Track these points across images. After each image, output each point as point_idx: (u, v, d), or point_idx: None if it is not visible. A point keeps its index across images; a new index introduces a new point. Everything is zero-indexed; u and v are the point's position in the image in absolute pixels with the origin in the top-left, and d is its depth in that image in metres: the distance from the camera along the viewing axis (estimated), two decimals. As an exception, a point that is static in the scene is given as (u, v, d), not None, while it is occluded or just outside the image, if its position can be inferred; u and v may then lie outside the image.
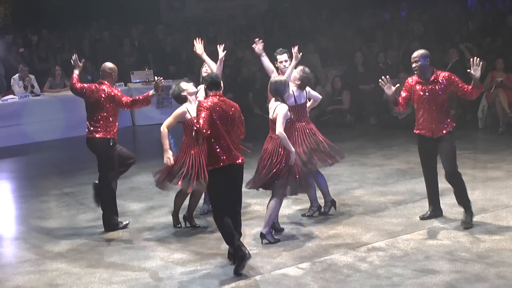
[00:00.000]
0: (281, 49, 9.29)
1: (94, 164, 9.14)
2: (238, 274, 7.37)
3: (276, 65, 9.26)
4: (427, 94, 8.53)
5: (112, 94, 9.12)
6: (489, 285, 6.90)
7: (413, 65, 8.57)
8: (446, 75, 8.63)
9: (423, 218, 8.91)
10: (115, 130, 9.18)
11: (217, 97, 7.57)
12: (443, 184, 10.37)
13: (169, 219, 9.33)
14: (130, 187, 10.47)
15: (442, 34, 18.45)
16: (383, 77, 8.60)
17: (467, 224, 8.55)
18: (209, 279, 7.38)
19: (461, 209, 9.12)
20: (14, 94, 16.03)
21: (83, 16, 20.56)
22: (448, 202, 9.26)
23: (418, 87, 8.59)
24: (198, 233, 8.87)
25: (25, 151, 14.98)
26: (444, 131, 8.60)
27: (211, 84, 7.65)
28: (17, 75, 16.26)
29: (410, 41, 17.81)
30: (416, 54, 8.57)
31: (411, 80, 8.70)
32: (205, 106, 7.43)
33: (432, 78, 8.55)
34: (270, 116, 8.27)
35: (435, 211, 9.00)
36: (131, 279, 7.50)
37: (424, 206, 9.37)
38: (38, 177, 12.60)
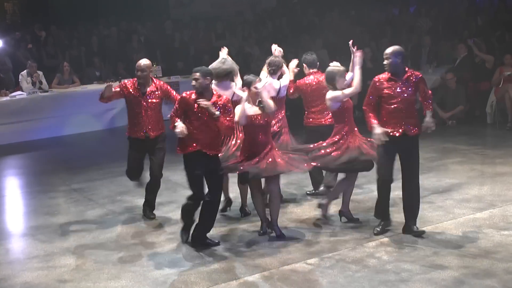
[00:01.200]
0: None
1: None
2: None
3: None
4: (398, 91, 8.09)
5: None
6: (497, 281, 6.88)
7: (384, 62, 8.19)
8: (419, 75, 8.26)
9: (377, 234, 8.31)
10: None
11: None
12: (451, 179, 10.39)
13: (178, 214, 9.33)
14: (138, 183, 10.43)
15: (451, 29, 18.42)
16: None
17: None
18: (217, 275, 7.38)
19: (470, 205, 9.13)
20: (22, 90, 16.06)
21: (91, 12, 20.62)
22: (457, 198, 9.24)
23: (388, 84, 8.16)
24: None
25: (33, 147, 15.01)
26: (414, 132, 8.12)
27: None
28: (25, 71, 16.29)
29: (419, 36, 17.79)
30: (388, 51, 8.16)
31: (381, 78, 8.26)
32: None
33: (405, 76, 8.15)
34: None
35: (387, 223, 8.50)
36: (139, 275, 7.50)
37: (431, 202, 9.36)
38: (46, 173, 12.61)
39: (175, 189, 9.93)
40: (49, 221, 9.65)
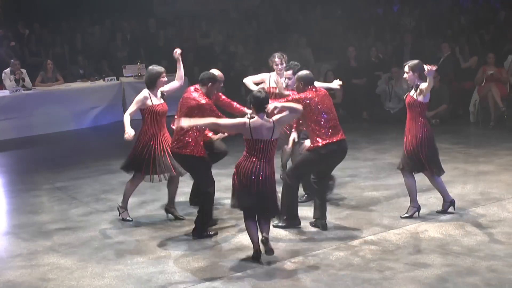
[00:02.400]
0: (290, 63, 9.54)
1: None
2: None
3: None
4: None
5: None
6: (480, 278, 6.92)
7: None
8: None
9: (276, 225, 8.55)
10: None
11: None
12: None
13: (162, 213, 9.33)
14: (122, 181, 10.38)
15: (434, 28, 18.49)
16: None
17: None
18: (201, 273, 7.38)
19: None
20: (5, 88, 15.96)
21: (75, 10, 20.51)
22: (440, 196, 9.27)
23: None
24: (190, 227, 8.84)
25: (16, 145, 14.91)
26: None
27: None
28: (8, 69, 16.17)
29: (402, 35, 17.86)
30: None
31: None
32: None
33: None
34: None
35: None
36: (123, 274, 7.49)
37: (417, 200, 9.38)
38: (29, 172, 12.55)
39: (159, 188, 9.90)
40: (32, 220, 9.60)
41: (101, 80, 16.96)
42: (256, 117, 7.51)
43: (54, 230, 9.11)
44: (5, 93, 15.74)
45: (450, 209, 8.91)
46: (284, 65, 9.70)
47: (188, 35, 20.00)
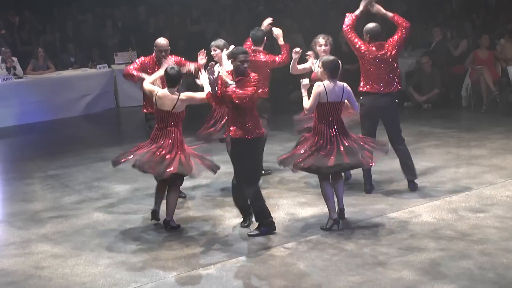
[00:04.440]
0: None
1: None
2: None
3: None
4: None
5: None
6: (473, 262, 6.94)
7: None
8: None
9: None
10: None
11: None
12: (427, 162, 10.46)
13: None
14: (115, 169, 10.41)
15: (426, 13, 18.44)
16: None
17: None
18: (195, 260, 7.38)
19: (446, 187, 9.20)
20: (-4, 77, 15.92)
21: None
22: (433, 181, 9.30)
23: None
24: (182, 215, 8.85)
25: (8, 133, 14.88)
26: None
27: None
28: (-1, 57, 16.14)
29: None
30: None
31: None
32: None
33: None
34: None
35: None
36: (117, 261, 7.48)
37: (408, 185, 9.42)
38: (22, 160, 12.52)
39: (151, 175, 9.90)
40: (25, 208, 9.59)
41: (93, 68, 16.91)
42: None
43: (47, 218, 9.10)
44: (-4, 81, 15.69)
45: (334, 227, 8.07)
46: (329, 47, 9.58)
47: (178, 22, 19.92)
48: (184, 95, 8.16)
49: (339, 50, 16.58)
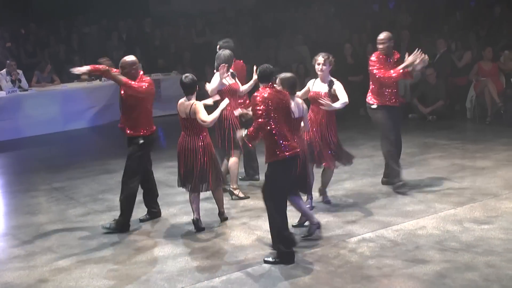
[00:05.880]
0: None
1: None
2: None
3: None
4: None
5: None
6: (478, 274, 6.92)
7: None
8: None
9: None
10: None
11: (269, 88, 7.54)
12: (431, 174, 10.45)
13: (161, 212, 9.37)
14: (119, 181, 10.43)
15: (430, 25, 18.47)
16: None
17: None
18: (199, 273, 7.37)
19: (451, 199, 9.19)
20: (1, 89, 15.95)
21: (71, 10, 20.49)
22: (437, 192, 9.28)
23: None
24: (187, 227, 8.84)
25: (13, 146, 14.91)
26: None
27: (263, 77, 7.63)
28: (4, 70, 16.18)
29: (398, 31, 17.84)
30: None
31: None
32: (259, 99, 7.41)
33: None
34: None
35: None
36: (122, 273, 7.48)
37: (413, 196, 9.41)
38: (26, 172, 12.55)
39: (158, 187, 9.89)
40: (30, 221, 9.59)
41: (99, 80, 16.94)
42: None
43: (52, 230, 9.10)
44: (1, 94, 15.72)
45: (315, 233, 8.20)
46: (328, 66, 9.31)
47: (184, 34, 19.98)
48: (196, 106, 8.41)
49: (344, 62, 16.66)
